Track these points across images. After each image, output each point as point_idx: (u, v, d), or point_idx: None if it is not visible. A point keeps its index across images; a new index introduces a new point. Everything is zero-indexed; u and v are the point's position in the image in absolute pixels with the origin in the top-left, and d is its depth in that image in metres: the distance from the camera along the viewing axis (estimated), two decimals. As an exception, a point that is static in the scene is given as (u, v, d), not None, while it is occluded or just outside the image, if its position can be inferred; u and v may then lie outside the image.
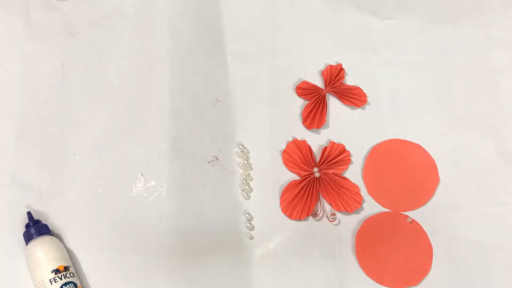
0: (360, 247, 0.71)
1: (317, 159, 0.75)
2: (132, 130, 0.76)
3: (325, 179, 0.74)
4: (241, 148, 0.75)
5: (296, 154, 0.75)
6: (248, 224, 0.72)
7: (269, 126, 0.77)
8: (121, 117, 0.76)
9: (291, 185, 0.73)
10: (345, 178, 0.74)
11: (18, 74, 0.77)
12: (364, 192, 0.74)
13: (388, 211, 0.74)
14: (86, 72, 0.78)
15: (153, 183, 0.73)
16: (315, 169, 0.74)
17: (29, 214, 0.69)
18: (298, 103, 0.79)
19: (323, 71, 0.80)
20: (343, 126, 0.78)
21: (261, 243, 0.71)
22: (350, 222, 0.73)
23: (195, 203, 0.72)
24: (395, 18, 0.84)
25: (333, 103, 0.79)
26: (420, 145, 0.77)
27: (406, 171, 0.75)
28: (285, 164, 0.75)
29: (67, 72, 0.78)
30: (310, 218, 0.73)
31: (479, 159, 0.76)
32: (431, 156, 0.76)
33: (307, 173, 0.74)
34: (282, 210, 0.73)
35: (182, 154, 0.75)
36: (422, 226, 0.72)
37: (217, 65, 0.80)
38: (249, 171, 0.74)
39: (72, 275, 0.66)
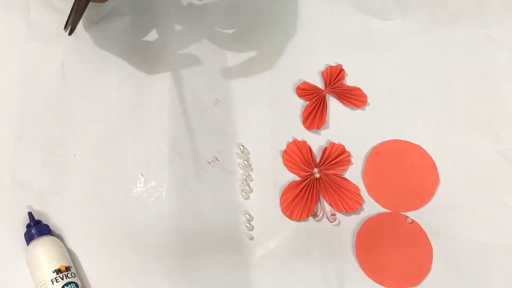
0: (360, 248, 0.72)
1: (317, 160, 0.75)
2: (132, 131, 0.76)
3: (325, 179, 0.74)
4: (241, 148, 0.75)
5: (296, 155, 0.75)
6: (248, 225, 0.72)
7: (269, 127, 0.77)
8: (121, 117, 0.76)
9: (291, 186, 0.73)
10: (345, 179, 0.74)
11: (18, 74, 0.77)
12: (364, 192, 0.74)
13: (388, 212, 0.74)
14: (86, 72, 0.78)
15: (153, 183, 0.73)
16: (315, 170, 0.74)
17: (30, 214, 0.69)
18: (298, 104, 0.79)
19: (323, 72, 0.80)
20: (343, 126, 0.78)
21: (261, 244, 0.71)
22: (350, 223, 0.73)
23: (195, 203, 0.73)
24: (395, 18, 0.84)
25: (333, 104, 0.79)
26: (420, 146, 0.77)
27: (406, 171, 0.76)
28: (285, 164, 0.75)
29: (67, 72, 0.78)
30: (310, 218, 0.73)
31: (479, 159, 0.76)
32: (431, 157, 0.76)
33: (307, 173, 0.74)
34: (282, 210, 0.73)
35: (182, 155, 0.75)
36: (422, 227, 0.73)
37: (217, 65, 0.80)
38: (249, 172, 0.74)
39: (73, 275, 0.66)
